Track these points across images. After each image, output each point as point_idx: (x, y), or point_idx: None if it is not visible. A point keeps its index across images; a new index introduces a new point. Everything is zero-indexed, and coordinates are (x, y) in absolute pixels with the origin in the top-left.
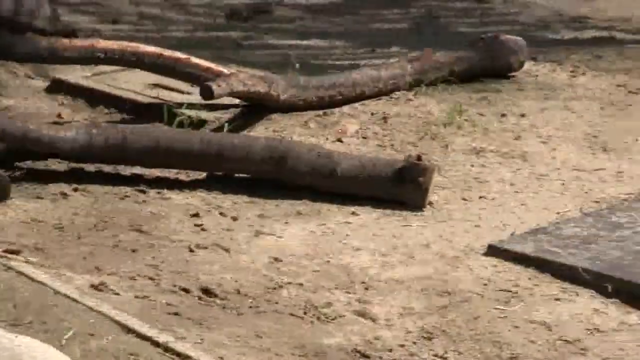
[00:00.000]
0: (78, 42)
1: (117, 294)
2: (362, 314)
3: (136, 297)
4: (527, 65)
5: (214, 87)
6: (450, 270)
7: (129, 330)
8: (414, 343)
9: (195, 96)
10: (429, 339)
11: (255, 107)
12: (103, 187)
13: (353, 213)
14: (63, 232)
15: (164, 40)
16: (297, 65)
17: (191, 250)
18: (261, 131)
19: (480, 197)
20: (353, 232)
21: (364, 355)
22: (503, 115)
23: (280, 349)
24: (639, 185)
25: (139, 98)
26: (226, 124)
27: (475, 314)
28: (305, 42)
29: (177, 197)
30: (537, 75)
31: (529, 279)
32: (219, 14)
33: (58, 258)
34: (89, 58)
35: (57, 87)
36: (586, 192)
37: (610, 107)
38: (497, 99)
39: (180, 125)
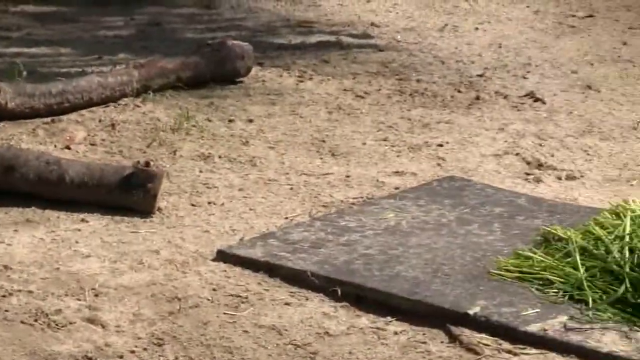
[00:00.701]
0: None
1: None
2: (92, 321)
3: None
4: (254, 70)
5: None
6: (179, 276)
7: None
8: (145, 349)
9: None
10: (160, 344)
11: None
12: None
13: (82, 220)
14: None
15: None
16: (24, 73)
17: None
18: None
19: (209, 203)
20: (82, 239)
21: None
22: (231, 120)
23: (10, 356)
24: (367, 189)
25: None
26: None
27: (205, 320)
28: (32, 50)
29: None
30: (264, 81)
31: (259, 283)
32: None
33: None
34: None
35: None
36: (315, 197)
37: (338, 112)
38: (224, 105)
39: None
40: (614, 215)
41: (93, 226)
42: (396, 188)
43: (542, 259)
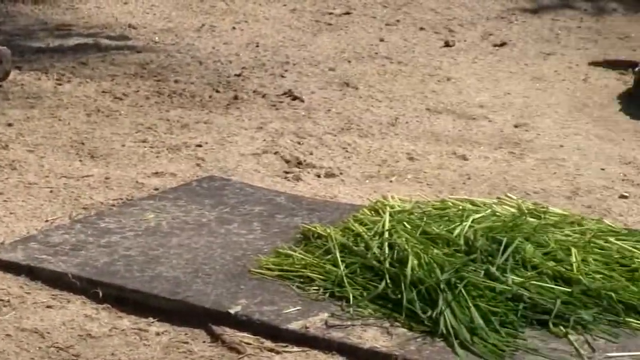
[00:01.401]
0: None
1: None
2: None
3: None
4: (13, 74)
5: None
6: None
7: None
8: None
9: None
10: None
11: None
12: None
13: None
14: None
15: None
16: None
17: None
18: None
19: None
20: None
21: None
22: None
23: None
24: (127, 190)
25: None
26: None
27: None
28: None
29: None
30: (22, 84)
31: (20, 287)
32: None
33: None
34: None
35: None
36: (75, 199)
37: (97, 114)
38: None
39: None
40: (373, 212)
41: None
42: (156, 189)
43: (302, 256)
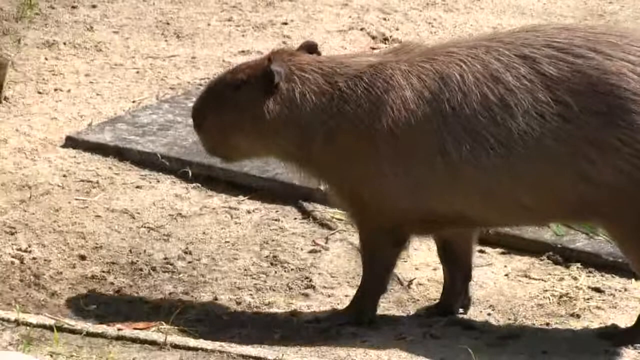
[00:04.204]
0: None
1: None
2: None
3: None
4: None
5: None
6: (29, 164)
7: None
8: None
9: None
10: (12, 233)
11: None
12: None
13: None
14: None
15: None
16: None
17: None
18: None
19: (56, 90)
20: None
21: None
22: (74, 7)
23: None
24: (214, 69)
25: None
26: None
27: (56, 206)
28: None
29: None
30: None
31: (109, 168)
32: None
33: None
34: None
35: None
36: (162, 79)
37: None
38: None
39: None
40: None
41: None
42: None
43: None
